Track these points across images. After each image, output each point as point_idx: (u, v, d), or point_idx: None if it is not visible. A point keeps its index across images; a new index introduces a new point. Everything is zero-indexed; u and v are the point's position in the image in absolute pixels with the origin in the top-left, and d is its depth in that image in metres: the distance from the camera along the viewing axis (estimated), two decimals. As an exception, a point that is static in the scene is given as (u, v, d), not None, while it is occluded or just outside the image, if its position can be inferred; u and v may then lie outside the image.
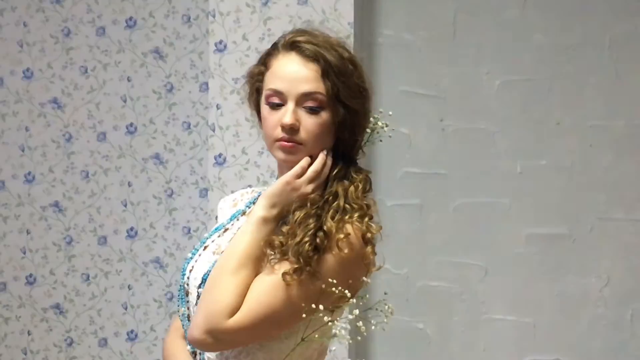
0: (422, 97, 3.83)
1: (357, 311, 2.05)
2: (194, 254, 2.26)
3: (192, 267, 2.23)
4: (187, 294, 2.23)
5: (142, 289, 4.11)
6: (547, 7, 3.79)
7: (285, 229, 2.11)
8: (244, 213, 2.28)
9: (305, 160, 2.13)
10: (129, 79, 4.11)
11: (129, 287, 4.14)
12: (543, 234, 3.77)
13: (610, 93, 3.76)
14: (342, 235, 2.06)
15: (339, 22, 3.67)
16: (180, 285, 2.26)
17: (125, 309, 4.16)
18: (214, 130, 3.71)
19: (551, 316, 3.78)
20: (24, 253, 4.19)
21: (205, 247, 2.25)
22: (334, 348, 3.65)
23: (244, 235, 2.11)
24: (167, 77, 4.09)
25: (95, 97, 4.13)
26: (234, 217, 2.29)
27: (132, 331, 4.16)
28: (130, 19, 4.10)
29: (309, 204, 2.11)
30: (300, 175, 2.13)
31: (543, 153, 3.79)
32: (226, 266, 2.09)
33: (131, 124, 4.10)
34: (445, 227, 3.84)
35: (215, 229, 2.29)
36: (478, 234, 3.82)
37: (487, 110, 3.81)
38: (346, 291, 2.03)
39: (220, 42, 3.71)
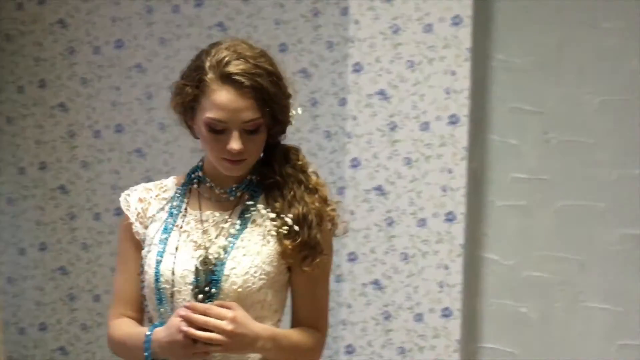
0: (529, 113, 3.96)
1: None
2: (162, 256, 2.20)
3: (172, 268, 2.18)
4: (171, 294, 2.17)
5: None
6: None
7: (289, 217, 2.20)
8: (186, 210, 2.26)
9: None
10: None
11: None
12: (635, 234, 3.88)
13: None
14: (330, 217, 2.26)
15: (458, 48, 3.85)
16: (157, 289, 2.19)
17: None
18: (350, 138, 3.96)
19: (640, 306, 3.83)
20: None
21: (176, 248, 2.21)
22: (447, 327, 3.83)
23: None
24: (311, 93, 4.21)
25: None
26: (178, 213, 2.27)
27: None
28: (283, 44, 4.25)
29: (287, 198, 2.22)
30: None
31: (637, 163, 3.88)
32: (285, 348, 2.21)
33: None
34: (547, 225, 3.94)
35: (165, 229, 2.23)
36: (576, 233, 3.92)
37: (588, 125, 3.92)
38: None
39: (357, 63, 3.93)
